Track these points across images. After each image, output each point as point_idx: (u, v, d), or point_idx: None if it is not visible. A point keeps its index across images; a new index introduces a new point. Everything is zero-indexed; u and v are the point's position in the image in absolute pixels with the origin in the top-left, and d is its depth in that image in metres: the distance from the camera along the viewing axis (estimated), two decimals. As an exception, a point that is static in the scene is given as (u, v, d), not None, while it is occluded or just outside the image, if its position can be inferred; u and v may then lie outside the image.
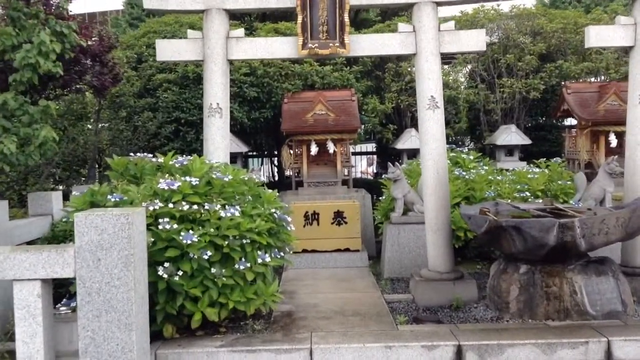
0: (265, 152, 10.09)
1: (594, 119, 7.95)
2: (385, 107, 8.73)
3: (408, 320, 4.55)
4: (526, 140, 8.54)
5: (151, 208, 3.81)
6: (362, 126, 8.94)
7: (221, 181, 4.22)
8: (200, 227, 3.95)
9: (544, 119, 10.43)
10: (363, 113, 9.08)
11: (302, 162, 8.18)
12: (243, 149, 8.34)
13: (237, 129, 8.51)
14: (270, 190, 4.86)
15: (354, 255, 6.88)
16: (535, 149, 9.55)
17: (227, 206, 4.13)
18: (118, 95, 8.36)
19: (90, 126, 8.21)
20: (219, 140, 5.21)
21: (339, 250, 6.93)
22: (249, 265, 4.08)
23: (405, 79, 9.12)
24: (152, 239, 3.77)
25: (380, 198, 7.31)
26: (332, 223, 6.95)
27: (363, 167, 13.98)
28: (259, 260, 4.15)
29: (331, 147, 7.98)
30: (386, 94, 9.05)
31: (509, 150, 8.71)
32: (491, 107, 9.33)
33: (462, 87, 10.06)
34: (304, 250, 6.94)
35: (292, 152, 8.50)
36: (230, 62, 5.31)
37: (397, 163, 6.55)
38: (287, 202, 7.75)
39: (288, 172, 8.25)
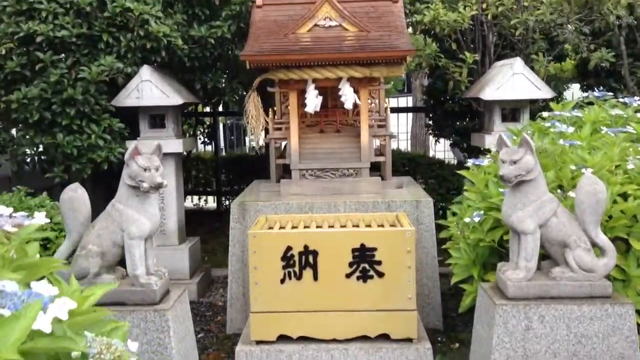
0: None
1: None
2: (459, 16, 4.74)
3: None
4: None
5: None
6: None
7: None
8: None
9: None
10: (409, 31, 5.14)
11: (290, 127, 4.33)
12: (176, 99, 4.51)
13: (164, 60, 4.65)
14: None
15: (401, 354, 3.11)
16: None
17: None
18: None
19: None
20: None
21: (365, 338, 3.18)
22: None
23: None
24: None
25: (453, 211, 3.49)
26: (350, 275, 3.17)
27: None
28: None
29: (348, 96, 4.13)
30: (460, -8, 5.03)
31: None
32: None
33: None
34: (283, 338, 3.20)
35: (273, 106, 4.67)
36: None
37: (524, 134, 2.70)
38: (252, 215, 3.98)
39: (259, 142, 4.41)
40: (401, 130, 10.08)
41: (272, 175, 4.55)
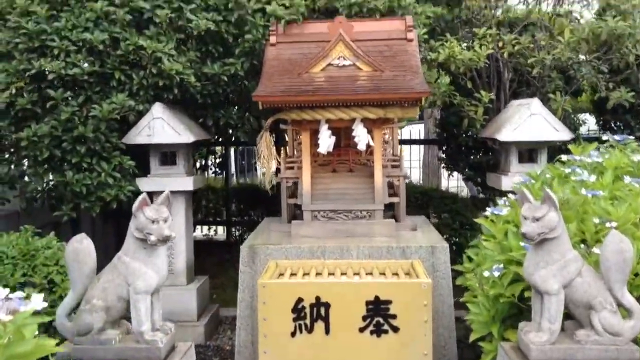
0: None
1: None
2: (475, 55, 4.66)
3: None
4: None
5: None
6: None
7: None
8: None
9: None
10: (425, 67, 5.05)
11: (302, 167, 4.24)
12: (187, 137, 4.44)
13: (176, 97, 4.59)
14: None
15: (415, 413, 2.97)
16: None
17: None
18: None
19: None
20: None
21: (377, 396, 3.05)
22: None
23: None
24: None
25: (469, 255, 3.35)
26: (363, 329, 3.05)
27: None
28: None
29: (362, 137, 4.04)
30: (476, 30, 4.95)
31: None
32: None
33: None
34: (292, 394, 3.07)
35: (284, 144, 4.61)
36: None
37: (546, 188, 2.58)
38: (262, 259, 3.87)
39: (271, 180, 4.32)
40: (413, 158, 9.97)
41: (283, 215, 4.45)
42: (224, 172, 8.10)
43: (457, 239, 6.56)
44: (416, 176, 10.48)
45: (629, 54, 4.54)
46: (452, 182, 9.38)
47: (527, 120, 4.33)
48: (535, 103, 4.37)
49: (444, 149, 7.15)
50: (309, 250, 3.83)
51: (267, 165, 4.20)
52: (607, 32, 4.35)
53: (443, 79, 4.67)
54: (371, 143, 4.10)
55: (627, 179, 3.28)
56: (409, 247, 3.79)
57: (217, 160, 8.15)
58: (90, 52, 4.25)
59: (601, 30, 4.39)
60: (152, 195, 4.59)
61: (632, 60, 4.62)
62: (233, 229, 7.99)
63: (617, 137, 3.97)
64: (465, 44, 5.29)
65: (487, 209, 3.36)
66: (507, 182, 4.34)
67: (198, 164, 7.44)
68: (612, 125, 6.77)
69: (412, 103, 4.03)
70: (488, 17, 5.05)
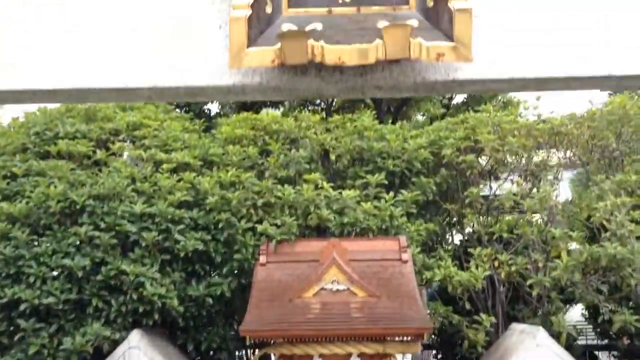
0: None
1: None
2: (472, 276, 4.54)
3: None
4: None
5: None
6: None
7: None
8: None
9: None
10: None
11: (293, 407, 3.83)
12: (165, 364, 4.04)
13: (155, 323, 4.28)
14: None
15: None
16: None
17: None
18: None
19: None
20: None
21: None
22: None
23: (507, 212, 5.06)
24: None
25: None
26: None
27: None
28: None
29: (360, 374, 3.69)
30: (473, 251, 4.89)
31: None
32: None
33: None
34: None
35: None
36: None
37: None
38: None
39: None
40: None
41: None
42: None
43: None
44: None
45: (629, 277, 4.45)
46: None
47: (534, 352, 4.04)
48: (541, 333, 4.12)
49: (439, 357, 6.75)
50: None
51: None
52: (606, 257, 4.29)
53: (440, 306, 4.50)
54: (369, 382, 3.75)
55: None
56: None
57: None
58: (68, 278, 4.01)
59: (599, 254, 4.33)
60: None
61: (633, 284, 4.52)
62: None
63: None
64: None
65: None
66: None
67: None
68: (609, 330, 6.55)
69: (414, 337, 3.77)
70: (481, 234, 5.01)
